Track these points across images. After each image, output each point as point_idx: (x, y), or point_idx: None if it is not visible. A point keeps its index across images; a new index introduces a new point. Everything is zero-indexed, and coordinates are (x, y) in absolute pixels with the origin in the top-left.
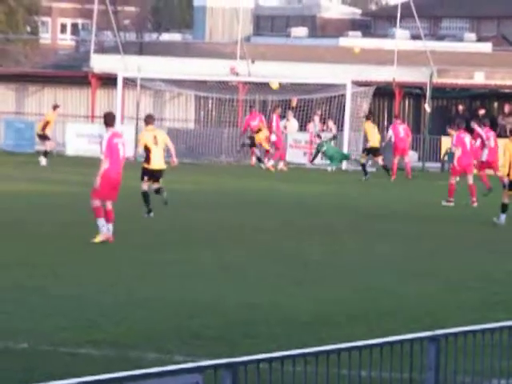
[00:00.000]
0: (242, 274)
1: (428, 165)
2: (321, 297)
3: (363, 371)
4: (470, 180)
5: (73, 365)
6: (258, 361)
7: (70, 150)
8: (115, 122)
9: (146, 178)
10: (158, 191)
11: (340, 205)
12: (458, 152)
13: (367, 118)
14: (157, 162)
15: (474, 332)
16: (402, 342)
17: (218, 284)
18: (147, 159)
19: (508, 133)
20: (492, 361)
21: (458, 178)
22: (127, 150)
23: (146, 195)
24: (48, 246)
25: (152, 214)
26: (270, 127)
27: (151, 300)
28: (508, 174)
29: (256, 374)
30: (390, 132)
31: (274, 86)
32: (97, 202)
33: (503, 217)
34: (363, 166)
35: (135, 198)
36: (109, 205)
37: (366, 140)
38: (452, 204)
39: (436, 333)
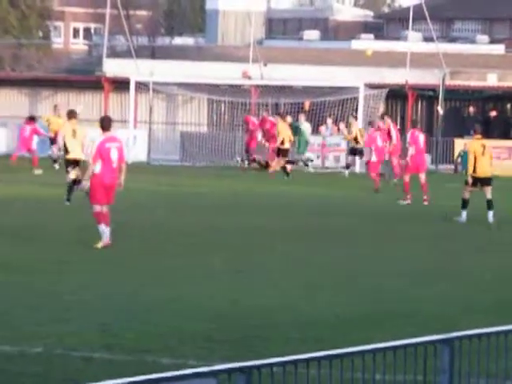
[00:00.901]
0: (255, 277)
1: (441, 167)
2: (334, 300)
3: (377, 374)
4: (422, 179)
5: (87, 369)
6: (272, 364)
7: (85, 155)
8: (111, 126)
9: (69, 168)
10: (75, 182)
11: (353, 207)
12: (411, 150)
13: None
14: (74, 153)
15: (488, 334)
16: (415, 344)
17: (231, 288)
18: (66, 151)
19: (472, 132)
20: (506, 363)
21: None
22: (139, 154)
23: (70, 185)
24: (62, 250)
25: (68, 203)
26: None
27: (165, 304)
28: (474, 171)
29: (270, 377)
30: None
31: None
32: (97, 208)
33: (464, 214)
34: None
35: (147, 202)
36: (104, 208)
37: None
38: (409, 202)
39: (450, 335)
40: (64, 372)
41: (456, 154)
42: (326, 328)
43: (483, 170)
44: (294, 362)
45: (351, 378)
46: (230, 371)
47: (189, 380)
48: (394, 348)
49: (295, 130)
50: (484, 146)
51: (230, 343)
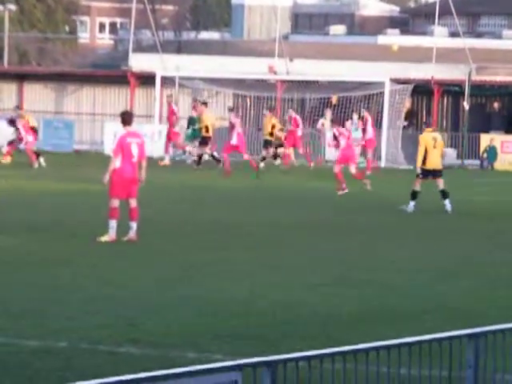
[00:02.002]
0: (279, 272)
1: (467, 162)
2: (360, 296)
3: (402, 369)
4: (353, 170)
5: (112, 363)
6: (298, 359)
7: (109, 149)
8: (132, 121)
9: None
10: None
11: (374, 203)
12: (342, 143)
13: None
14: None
15: None
16: (440, 339)
17: (256, 283)
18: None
19: (423, 125)
20: None
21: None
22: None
23: None
24: (88, 245)
25: None
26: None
27: (190, 299)
28: (423, 163)
29: (295, 372)
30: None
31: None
32: (114, 202)
33: (412, 204)
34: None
35: (171, 197)
36: (132, 203)
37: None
38: (346, 191)
39: (475, 330)
40: (89, 366)
41: (482, 149)
42: (352, 323)
43: (433, 163)
44: (320, 357)
45: (376, 373)
46: (255, 365)
47: (214, 374)
48: (420, 343)
49: (190, 121)
50: (435, 139)
51: (254, 338)
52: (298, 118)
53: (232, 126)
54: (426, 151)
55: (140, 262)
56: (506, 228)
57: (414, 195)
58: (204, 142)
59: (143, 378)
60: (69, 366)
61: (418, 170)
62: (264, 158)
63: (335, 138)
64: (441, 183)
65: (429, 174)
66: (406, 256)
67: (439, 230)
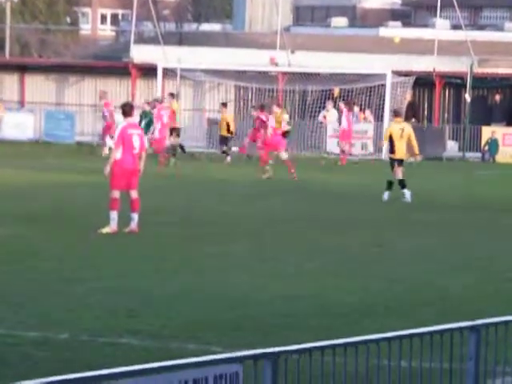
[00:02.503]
0: (281, 265)
1: (468, 154)
2: (360, 288)
3: (403, 361)
4: (284, 156)
5: (113, 355)
6: (298, 351)
7: (110, 141)
8: (133, 112)
9: None
10: None
11: (378, 195)
12: (270, 130)
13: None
14: None
15: None
16: (442, 331)
17: (257, 276)
18: None
19: (392, 114)
20: None
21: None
22: (167, 141)
23: None
24: (89, 236)
25: None
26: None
27: (191, 291)
28: (393, 152)
29: (296, 364)
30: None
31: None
32: (115, 193)
33: (407, 193)
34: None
35: (173, 189)
36: (133, 194)
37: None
38: (270, 174)
39: (476, 323)
40: (90, 357)
41: (483, 141)
42: (353, 316)
43: (400, 152)
44: (321, 349)
45: (377, 365)
46: (255, 357)
47: (214, 366)
48: (421, 335)
49: (143, 115)
50: (403, 130)
51: (255, 331)
52: (266, 116)
53: (262, 122)
54: (393, 141)
55: (141, 253)
56: (508, 221)
57: (402, 184)
58: (171, 132)
59: (143, 369)
60: (69, 358)
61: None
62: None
63: (262, 124)
64: (400, 173)
65: (394, 162)
66: (408, 248)
67: (440, 222)
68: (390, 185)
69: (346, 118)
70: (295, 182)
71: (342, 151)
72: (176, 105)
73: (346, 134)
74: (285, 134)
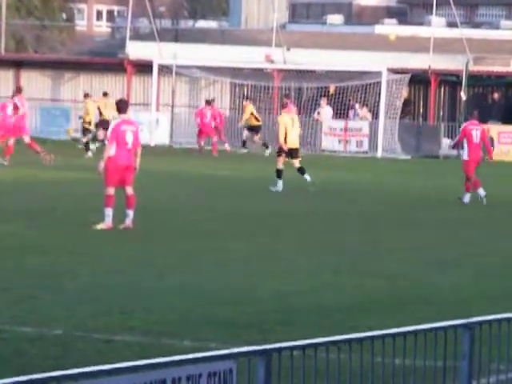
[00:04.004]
0: (276, 262)
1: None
2: (355, 285)
3: (397, 359)
4: (26, 140)
5: (107, 351)
6: (292, 348)
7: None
8: (128, 109)
9: None
10: None
11: (375, 192)
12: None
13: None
14: None
15: (508, 320)
16: (435, 329)
17: (252, 272)
18: None
19: (281, 106)
20: None
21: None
22: (161, 137)
23: None
24: (83, 233)
25: None
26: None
27: (186, 288)
28: (284, 142)
29: (290, 360)
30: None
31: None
32: (109, 190)
33: (280, 183)
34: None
35: (169, 185)
36: (129, 190)
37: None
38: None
39: (470, 320)
40: (84, 354)
41: None
42: (347, 312)
43: (293, 142)
44: (314, 346)
45: (371, 362)
46: (249, 354)
47: (208, 362)
48: (415, 332)
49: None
50: (293, 120)
51: (250, 327)
52: (217, 111)
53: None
54: (286, 132)
55: (136, 249)
56: (503, 217)
57: (278, 173)
58: (85, 130)
59: (138, 366)
60: (64, 354)
61: (284, 147)
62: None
63: (15, 108)
64: (296, 162)
65: (289, 152)
66: (404, 246)
67: (436, 219)
68: (279, 173)
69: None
70: (289, 178)
71: None
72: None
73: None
74: (254, 129)
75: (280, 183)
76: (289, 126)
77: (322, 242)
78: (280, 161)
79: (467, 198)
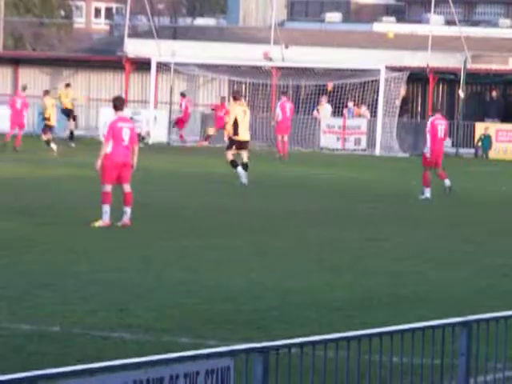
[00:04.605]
0: (275, 259)
1: (462, 151)
2: (354, 282)
3: (395, 357)
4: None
5: (105, 349)
6: (290, 345)
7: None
8: (123, 106)
9: None
10: None
11: (373, 190)
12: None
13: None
14: None
15: (506, 318)
16: (433, 327)
17: (251, 269)
18: None
19: (232, 98)
20: None
21: None
22: (159, 135)
23: None
24: (82, 230)
25: None
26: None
27: (185, 285)
28: (235, 134)
29: (287, 358)
30: (278, 110)
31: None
32: (107, 188)
33: (240, 171)
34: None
35: (167, 183)
36: (126, 187)
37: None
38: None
39: (468, 318)
40: (82, 351)
41: (477, 137)
42: (345, 310)
43: (244, 134)
44: (312, 344)
45: (368, 360)
46: (247, 351)
47: (206, 360)
48: (412, 330)
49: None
50: (245, 112)
51: (248, 324)
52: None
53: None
54: (237, 124)
55: (134, 247)
56: (500, 216)
57: (233, 164)
58: (45, 127)
59: (135, 363)
60: (61, 351)
61: (225, 138)
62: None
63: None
64: (245, 156)
65: (239, 145)
66: (401, 243)
67: (433, 217)
68: (234, 163)
69: (282, 110)
70: (288, 176)
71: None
72: (49, 101)
73: (280, 126)
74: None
75: (241, 172)
76: (240, 117)
77: (320, 240)
78: (229, 154)
79: (428, 192)
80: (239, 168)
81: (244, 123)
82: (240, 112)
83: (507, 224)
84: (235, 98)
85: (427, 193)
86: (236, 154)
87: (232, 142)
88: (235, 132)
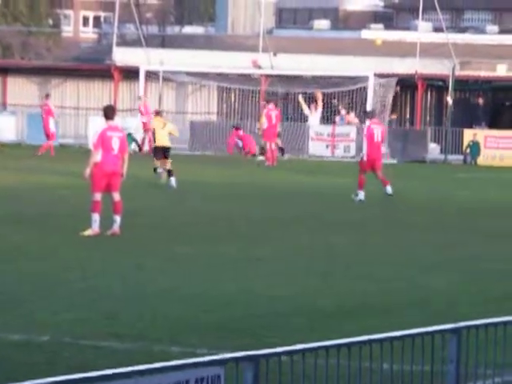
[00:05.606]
0: (265, 266)
1: (450, 157)
2: (344, 289)
3: (385, 364)
4: None
5: (95, 358)
6: (280, 353)
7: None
8: (114, 115)
9: None
10: None
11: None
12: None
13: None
14: None
15: (495, 324)
16: (423, 334)
17: (241, 277)
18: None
19: (154, 112)
20: None
21: None
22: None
23: None
24: (72, 239)
25: None
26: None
27: (175, 293)
28: (155, 142)
29: (278, 366)
30: (264, 118)
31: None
32: (97, 196)
33: (161, 170)
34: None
35: (155, 191)
36: (116, 196)
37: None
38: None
39: (458, 325)
40: (72, 360)
41: (465, 144)
42: (336, 317)
43: (161, 139)
44: (302, 351)
45: (359, 367)
46: (237, 360)
47: (196, 369)
48: (402, 337)
49: None
50: (165, 124)
51: (239, 332)
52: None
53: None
54: (156, 133)
55: (123, 255)
56: (488, 222)
57: (156, 170)
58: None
59: (125, 372)
60: (51, 361)
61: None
62: None
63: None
64: (168, 163)
65: (160, 152)
66: (391, 250)
67: (422, 223)
68: (155, 170)
69: (268, 118)
70: (277, 183)
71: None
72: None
73: (267, 133)
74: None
75: (162, 174)
76: (158, 128)
77: (310, 246)
78: (155, 161)
79: (361, 195)
80: (164, 174)
81: (162, 132)
82: (158, 124)
83: (497, 229)
84: (157, 114)
85: (361, 195)
86: (162, 163)
87: (155, 150)
88: (155, 140)
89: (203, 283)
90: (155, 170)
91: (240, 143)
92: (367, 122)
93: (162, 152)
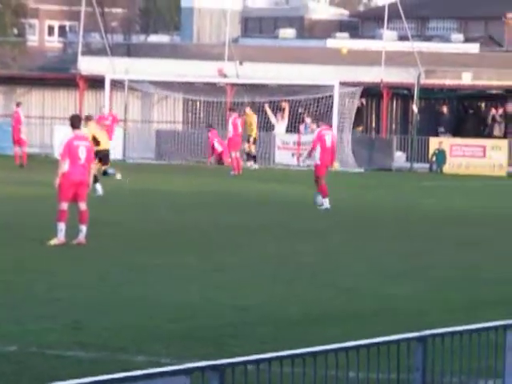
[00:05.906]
0: (230, 275)
1: (416, 165)
2: (310, 298)
3: (351, 372)
4: None
5: (61, 367)
6: (245, 362)
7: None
8: (81, 124)
9: None
10: None
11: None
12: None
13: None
14: None
15: (461, 332)
16: (389, 342)
17: (206, 286)
18: None
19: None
20: (479, 361)
21: None
22: (114, 152)
23: None
24: (37, 248)
25: None
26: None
27: (139, 302)
28: (98, 144)
29: (243, 375)
30: (230, 127)
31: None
32: (63, 205)
33: (99, 187)
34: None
35: (121, 200)
36: (82, 206)
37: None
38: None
39: (423, 333)
40: (38, 370)
41: (431, 152)
42: (301, 326)
43: (106, 145)
44: (268, 360)
45: (325, 376)
46: (202, 369)
47: (161, 378)
48: (368, 346)
49: None
50: (102, 128)
51: (204, 341)
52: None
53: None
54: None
55: (89, 265)
56: (454, 230)
57: (95, 179)
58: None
59: (90, 382)
60: (18, 371)
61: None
62: None
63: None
64: (105, 166)
65: (106, 155)
66: (357, 258)
67: (388, 232)
68: (96, 178)
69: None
70: (243, 192)
71: (231, 159)
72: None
73: (231, 142)
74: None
75: (98, 187)
76: (98, 133)
77: (277, 255)
78: (103, 165)
79: (326, 203)
80: (98, 184)
81: (102, 135)
82: (96, 128)
83: (463, 237)
84: (87, 119)
85: (326, 204)
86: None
87: (102, 154)
88: (98, 144)
89: (168, 293)
90: (105, 173)
91: (217, 145)
92: (317, 130)
93: (107, 155)
